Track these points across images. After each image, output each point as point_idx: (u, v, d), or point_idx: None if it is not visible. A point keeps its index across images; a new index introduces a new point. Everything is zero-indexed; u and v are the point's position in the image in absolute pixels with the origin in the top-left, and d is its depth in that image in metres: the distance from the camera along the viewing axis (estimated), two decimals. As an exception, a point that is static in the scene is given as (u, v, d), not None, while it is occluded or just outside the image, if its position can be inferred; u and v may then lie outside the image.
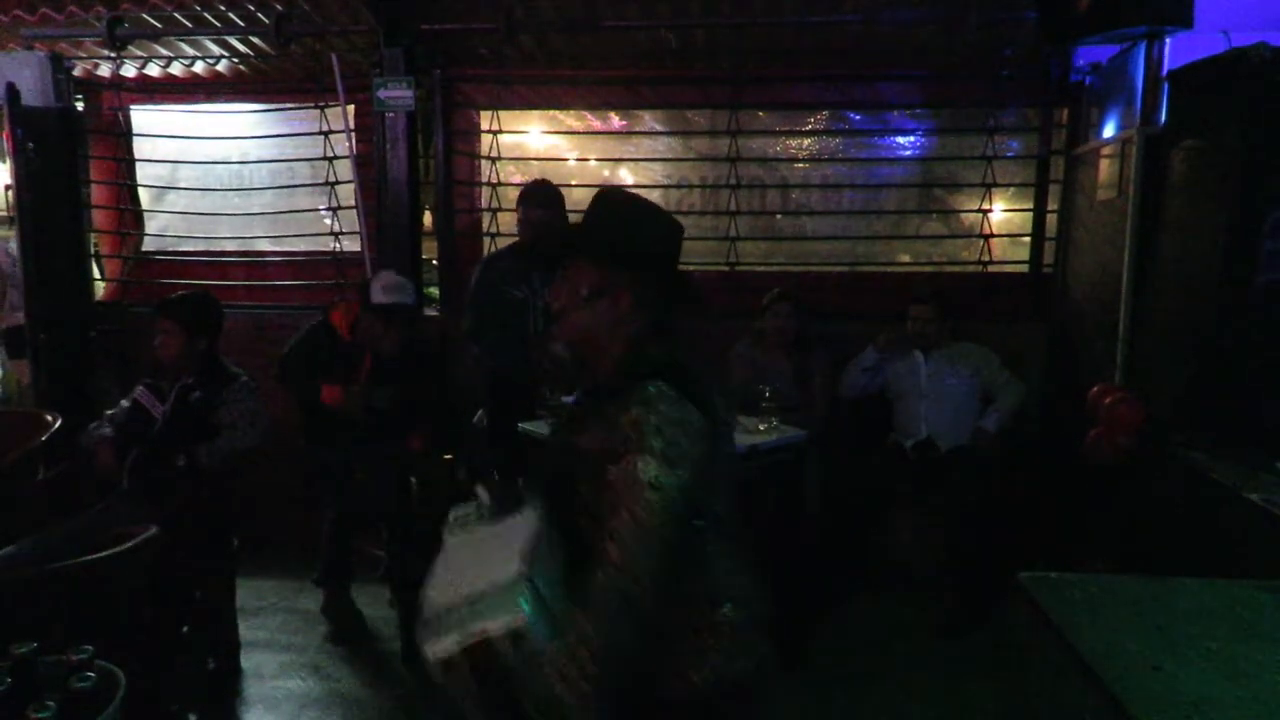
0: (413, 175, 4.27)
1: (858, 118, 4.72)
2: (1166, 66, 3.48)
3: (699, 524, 1.53)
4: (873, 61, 4.42)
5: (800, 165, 4.78)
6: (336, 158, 4.57)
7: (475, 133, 4.70)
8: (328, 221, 4.65)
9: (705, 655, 1.59)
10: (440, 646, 1.37)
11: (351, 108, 4.40)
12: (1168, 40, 3.47)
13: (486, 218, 4.74)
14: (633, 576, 1.38)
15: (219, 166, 4.85)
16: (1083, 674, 1.71)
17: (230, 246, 4.83)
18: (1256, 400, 3.06)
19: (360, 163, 4.36)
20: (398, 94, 4.13)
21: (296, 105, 4.66)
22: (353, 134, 4.35)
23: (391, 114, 4.15)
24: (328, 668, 3.33)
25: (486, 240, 4.72)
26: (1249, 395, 3.07)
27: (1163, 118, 3.47)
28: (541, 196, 3.51)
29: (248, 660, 3.32)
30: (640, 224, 1.64)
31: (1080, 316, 4.11)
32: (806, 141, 4.78)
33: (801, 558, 3.49)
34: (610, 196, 1.73)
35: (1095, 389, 3.60)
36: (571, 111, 4.78)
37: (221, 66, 4.54)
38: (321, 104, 4.52)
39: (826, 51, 4.34)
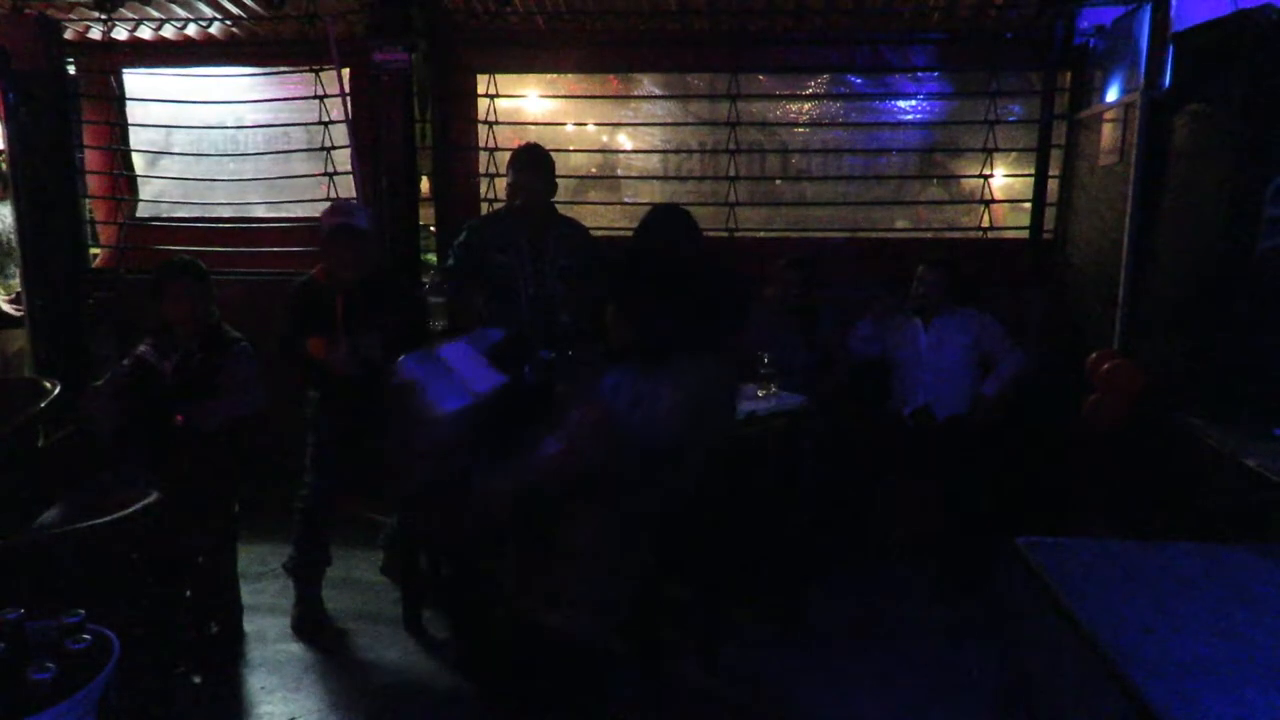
0: (409, 140, 4.23)
1: (858, 81, 4.67)
2: (1171, 29, 3.43)
3: None
4: (874, 24, 4.36)
5: (800, 130, 4.74)
6: (332, 122, 4.52)
7: (472, 97, 4.65)
8: (324, 187, 4.62)
9: None
10: None
11: (347, 71, 4.34)
12: (1174, 1, 3.42)
13: (484, 183, 4.70)
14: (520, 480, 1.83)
15: (213, 131, 4.81)
16: (1076, 637, 1.73)
17: (225, 212, 4.80)
18: (1255, 367, 3.06)
19: (356, 127, 4.32)
20: (393, 57, 4.08)
21: (291, 69, 4.61)
22: (348, 98, 4.30)
23: (387, 77, 4.10)
24: (330, 632, 3.36)
25: (484, 206, 4.69)
26: (1247, 362, 3.07)
27: (1167, 81, 3.43)
28: (529, 160, 3.49)
29: (250, 624, 3.35)
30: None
31: (1080, 283, 4.10)
32: (807, 105, 4.73)
33: (798, 522, 3.51)
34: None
35: (1094, 355, 3.61)
36: (570, 75, 4.73)
37: (215, 29, 4.48)
38: (316, 67, 4.46)
39: (827, 13, 4.28)
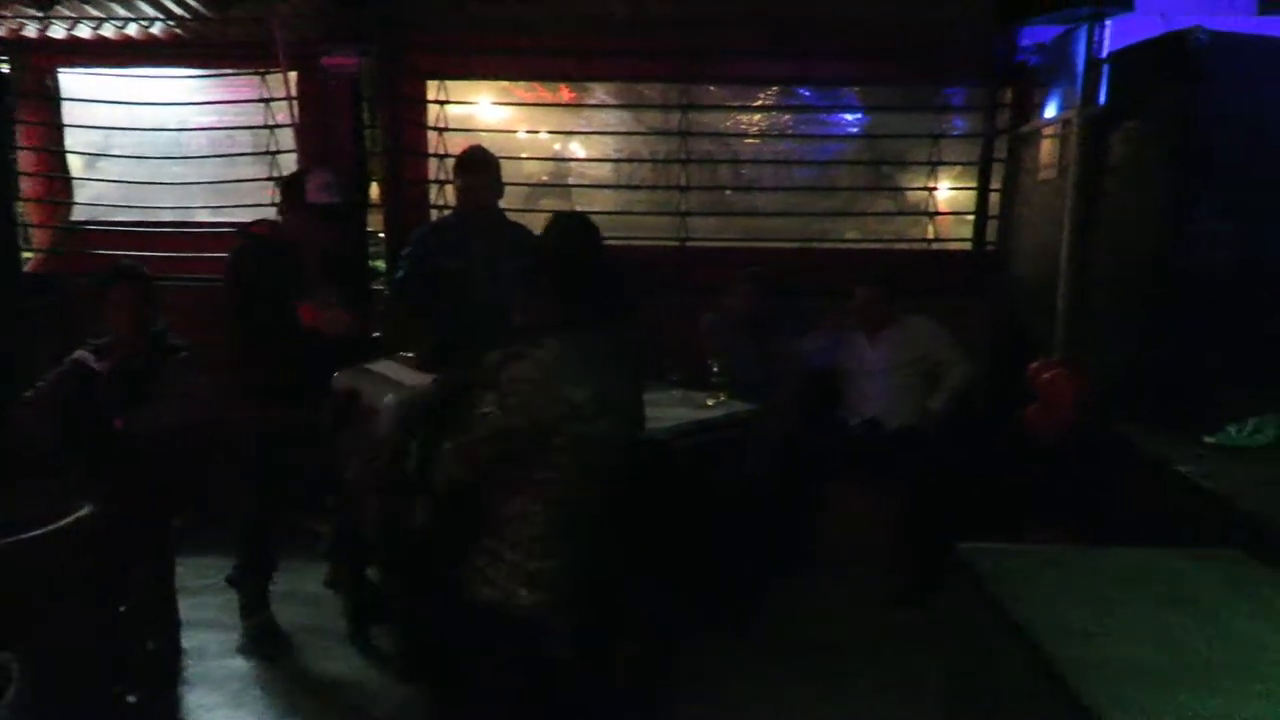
0: (358, 145, 4.18)
1: (808, 94, 4.74)
2: (1107, 48, 3.54)
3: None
4: (823, 37, 4.43)
5: (751, 140, 4.78)
6: (278, 126, 4.45)
7: (422, 102, 4.61)
8: (269, 192, 4.54)
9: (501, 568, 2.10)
10: None
11: (294, 75, 4.28)
12: (1109, 22, 3.53)
13: (434, 189, 4.66)
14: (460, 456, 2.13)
15: (156, 134, 4.69)
16: (1019, 642, 1.77)
17: (168, 217, 4.68)
18: (1187, 377, 3.16)
19: (303, 132, 4.25)
20: (342, 61, 4.02)
21: (236, 71, 4.52)
22: (295, 102, 4.24)
23: (336, 81, 4.05)
24: (285, 643, 3.28)
25: (434, 212, 4.65)
26: (1180, 372, 3.17)
27: (1103, 99, 3.54)
28: (474, 162, 3.47)
29: (190, 640, 3.26)
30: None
31: (1023, 293, 4.19)
32: (757, 117, 4.78)
33: (750, 530, 3.53)
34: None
35: (1035, 364, 3.69)
36: (521, 83, 4.71)
37: (157, 29, 4.37)
38: (263, 70, 4.38)
39: (778, 26, 4.33)
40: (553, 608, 2.13)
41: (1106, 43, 3.54)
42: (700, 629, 3.37)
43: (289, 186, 3.35)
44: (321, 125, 4.17)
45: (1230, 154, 3.09)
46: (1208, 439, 3.02)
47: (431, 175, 4.64)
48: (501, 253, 3.44)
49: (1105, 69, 3.52)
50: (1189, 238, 3.15)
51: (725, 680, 3.10)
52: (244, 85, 4.54)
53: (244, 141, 4.60)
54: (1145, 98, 3.29)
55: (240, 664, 3.17)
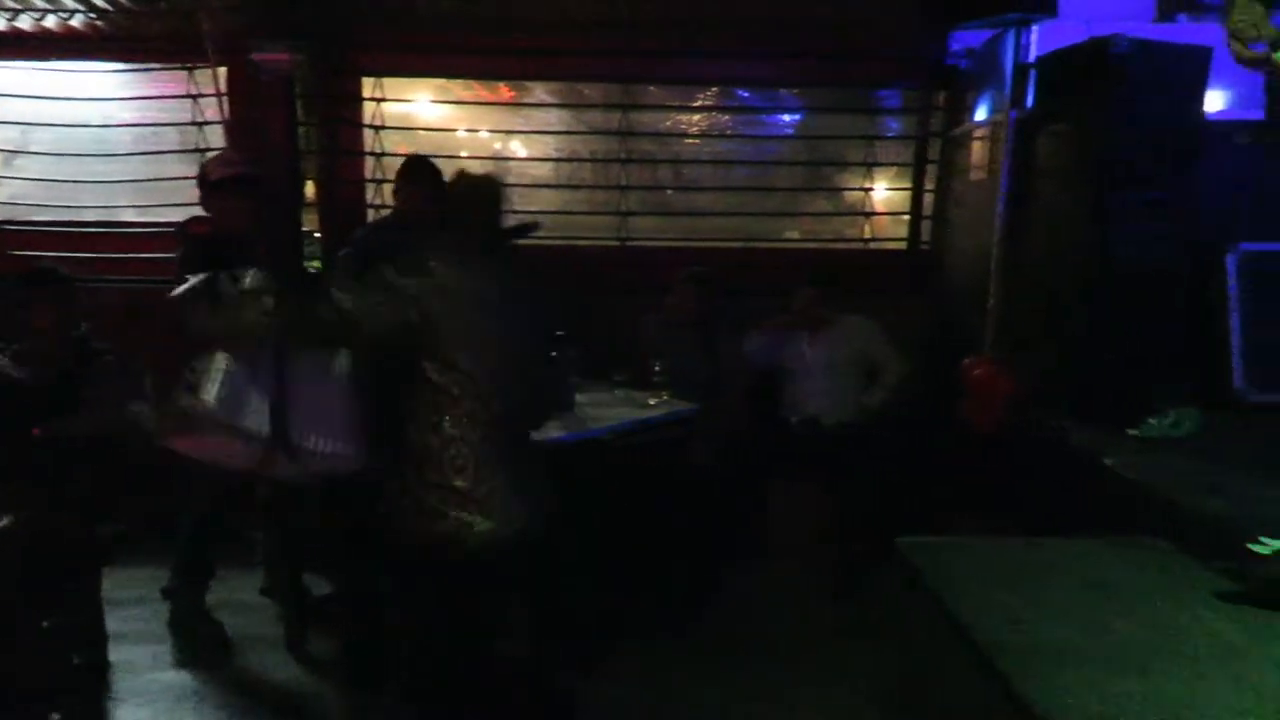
0: (292, 144, 4.09)
1: (747, 95, 4.78)
2: (1034, 53, 3.65)
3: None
4: (762, 39, 4.47)
5: (691, 141, 4.81)
6: (207, 123, 4.33)
7: (358, 100, 4.53)
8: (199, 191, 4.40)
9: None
10: None
11: (224, 70, 4.16)
12: (1035, 28, 3.63)
13: (370, 189, 4.58)
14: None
15: (79, 130, 4.52)
16: (953, 631, 1.81)
17: (91, 216, 4.52)
18: (1111, 371, 3.28)
19: (234, 129, 4.14)
20: (275, 57, 3.93)
21: (162, 66, 4.39)
22: (224, 98, 4.12)
23: (267, 78, 3.95)
24: (228, 649, 3.20)
25: (370, 212, 4.57)
26: (1104, 367, 3.29)
27: (1030, 102, 3.65)
28: (417, 173, 3.44)
29: (118, 654, 3.15)
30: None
31: (956, 292, 4.30)
32: (697, 117, 4.81)
33: (692, 528, 3.55)
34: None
35: (967, 361, 3.79)
36: (460, 81, 4.67)
37: (77, 21, 4.22)
38: (190, 65, 4.26)
39: (717, 27, 4.36)
40: (506, 531, 2.13)
41: (1033, 48, 3.65)
42: (643, 626, 3.38)
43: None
44: (253, 122, 4.07)
45: (1147, 155, 3.22)
46: (1131, 432, 3.14)
47: (368, 174, 4.56)
48: None
49: (1032, 73, 3.63)
50: (1112, 237, 3.27)
51: (667, 674, 3.11)
52: (171, 80, 4.40)
53: (171, 138, 4.47)
54: (1070, 102, 3.40)
55: (173, 677, 3.07)
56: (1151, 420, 3.14)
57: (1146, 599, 1.91)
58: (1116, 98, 3.18)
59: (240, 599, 3.56)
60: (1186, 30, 4.86)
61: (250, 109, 4.11)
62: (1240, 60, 4.12)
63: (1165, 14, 5.06)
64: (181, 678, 3.07)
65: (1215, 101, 3.55)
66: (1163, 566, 2.11)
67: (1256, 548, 2.05)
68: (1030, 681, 1.55)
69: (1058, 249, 3.46)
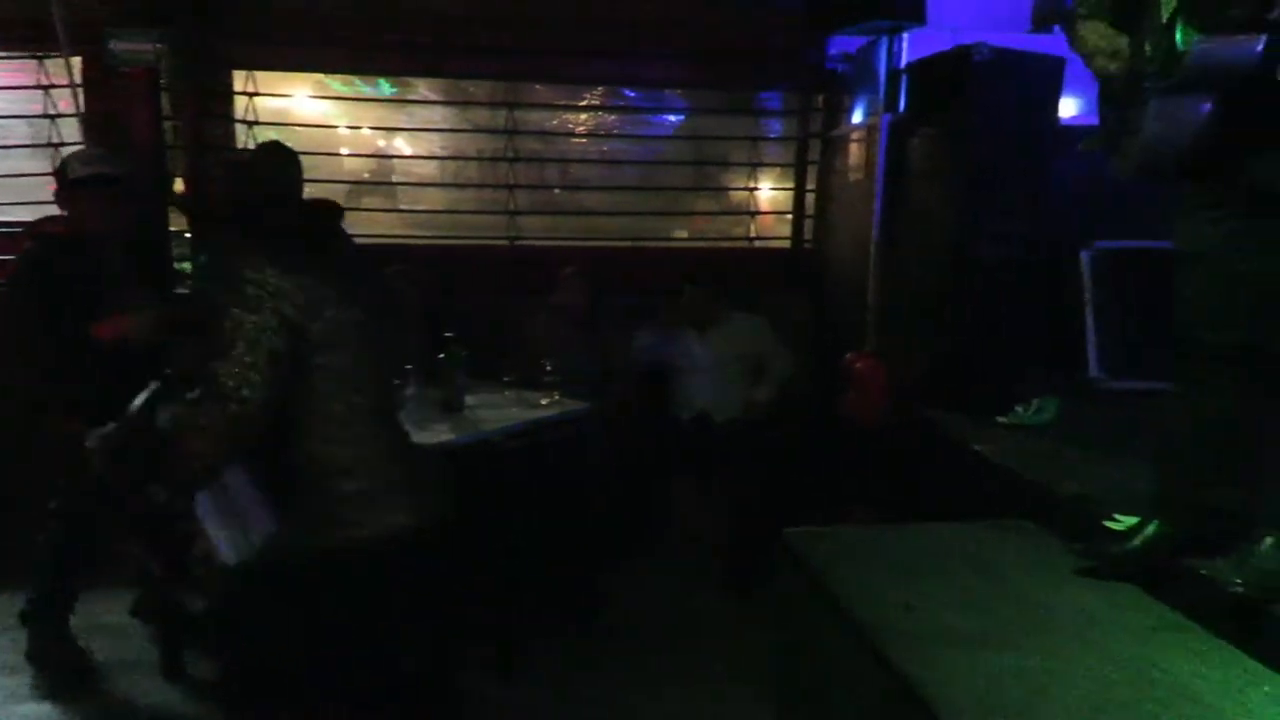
0: (157, 139, 3.86)
1: (633, 94, 4.81)
2: (906, 59, 3.81)
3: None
4: (647, 39, 4.51)
5: (578, 140, 4.81)
6: (60, 116, 4.04)
7: (228, 94, 4.33)
8: (51, 188, 4.11)
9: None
10: None
11: (78, 60, 3.90)
12: (906, 35, 3.80)
13: (244, 187, 4.38)
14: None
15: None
16: (840, 618, 1.87)
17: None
18: (979, 363, 3.46)
19: (91, 122, 3.88)
20: (134, 46, 3.71)
21: (9, 54, 4.07)
22: (79, 90, 3.86)
23: (128, 69, 3.73)
24: (93, 676, 3.01)
25: (246, 211, 4.37)
26: (973, 358, 3.46)
27: (902, 106, 3.80)
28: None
29: (-31, 687, 2.92)
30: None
31: (838, 289, 4.44)
32: (583, 116, 4.81)
33: (587, 525, 3.55)
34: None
35: (849, 355, 3.93)
36: (340, 76, 4.52)
37: (-94, 3, 3.87)
38: (40, 54, 3.97)
39: (603, 26, 4.37)
40: (399, 530, 2.05)
41: (905, 54, 3.82)
42: (538, 627, 3.36)
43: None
44: (112, 115, 3.83)
45: (1007, 157, 3.41)
46: (1000, 419, 3.31)
47: (241, 171, 4.36)
48: None
49: (904, 78, 3.79)
50: (978, 236, 3.44)
51: (571, 674, 3.11)
52: (19, 70, 4.10)
53: (20, 132, 4.16)
54: (938, 106, 3.56)
55: (32, 708, 2.86)
56: (1018, 408, 3.33)
57: (1017, 578, 2.02)
58: (978, 103, 3.36)
59: (109, 621, 3.35)
60: (1060, 40, 5.13)
61: (109, 101, 3.87)
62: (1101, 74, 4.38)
63: (1043, 25, 5.33)
64: (43, 709, 2.86)
65: (1070, 107, 3.78)
66: (1029, 547, 2.24)
67: (1111, 524, 2.20)
68: (913, 662, 1.62)
69: (929, 248, 3.63)
